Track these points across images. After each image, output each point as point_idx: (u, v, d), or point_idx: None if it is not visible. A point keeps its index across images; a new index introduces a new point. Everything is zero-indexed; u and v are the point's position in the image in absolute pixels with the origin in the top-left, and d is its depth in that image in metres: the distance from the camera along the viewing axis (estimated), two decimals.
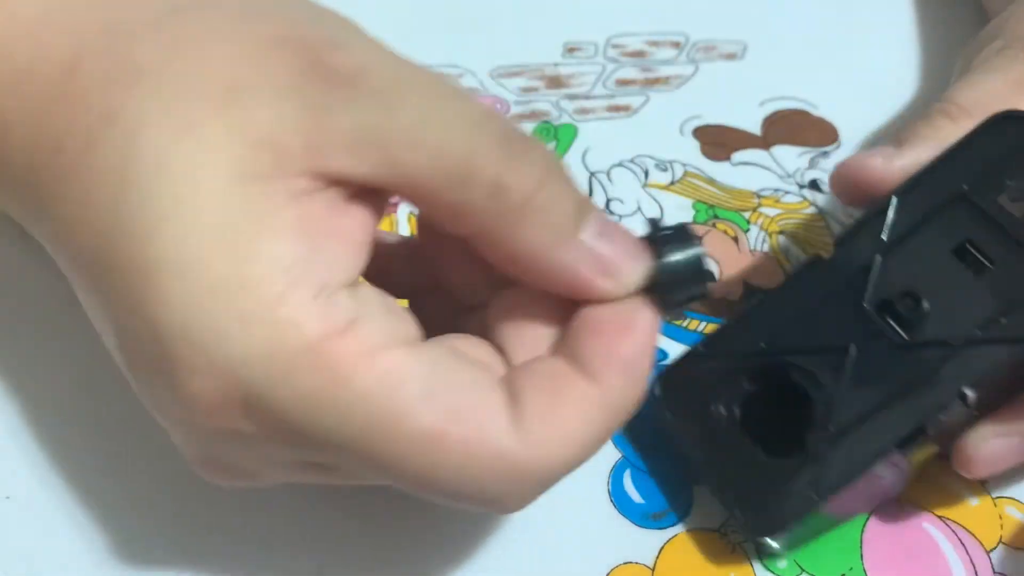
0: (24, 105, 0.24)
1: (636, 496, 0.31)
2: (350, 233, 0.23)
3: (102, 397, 0.31)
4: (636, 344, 0.24)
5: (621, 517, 0.30)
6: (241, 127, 0.22)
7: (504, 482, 0.23)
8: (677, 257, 0.25)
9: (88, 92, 0.23)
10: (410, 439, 0.22)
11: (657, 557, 0.30)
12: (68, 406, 0.31)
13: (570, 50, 0.41)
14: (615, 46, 0.41)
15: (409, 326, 0.23)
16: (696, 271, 0.25)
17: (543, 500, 0.30)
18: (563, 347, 0.24)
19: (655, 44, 0.42)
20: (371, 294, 0.23)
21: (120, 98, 0.22)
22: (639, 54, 0.41)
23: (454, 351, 0.23)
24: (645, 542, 0.30)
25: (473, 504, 0.23)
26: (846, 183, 0.31)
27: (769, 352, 0.30)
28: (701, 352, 0.31)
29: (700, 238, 0.26)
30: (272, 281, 0.21)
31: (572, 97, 0.40)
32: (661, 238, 0.25)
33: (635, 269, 0.24)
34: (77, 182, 0.23)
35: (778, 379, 0.29)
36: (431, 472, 0.22)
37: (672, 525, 0.30)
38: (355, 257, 0.23)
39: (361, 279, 0.23)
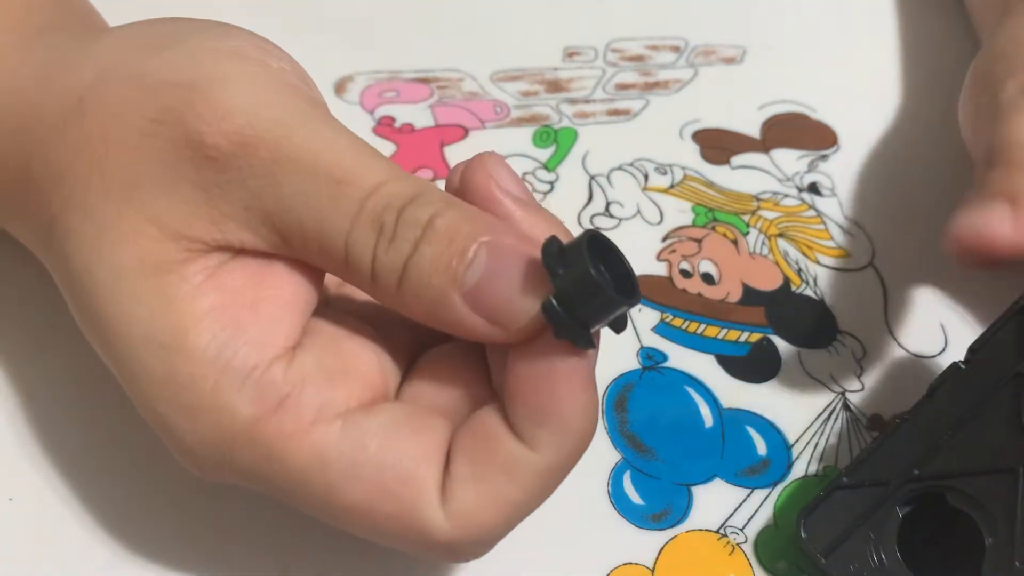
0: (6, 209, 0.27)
1: (636, 497, 0.31)
2: (275, 296, 0.24)
3: (105, 399, 0.31)
4: (560, 399, 0.22)
5: (621, 518, 0.30)
6: (144, 223, 0.23)
7: (437, 551, 0.23)
8: (566, 283, 0.22)
9: (37, 198, 0.25)
10: (344, 510, 0.23)
11: (657, 558, 0.30)
12: (71, 408, 0.31)
13: (570, 54, 0.41)
14: (615, 50, 0.42)
15: (349, 389, 0.24)
16: (591, 294, 0.22)
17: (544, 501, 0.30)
18: (503, 399, 0.23)
19: (655, 48, 0.42)
20: (309, 361, 0.23)
21: (55, 205, 0.24)
22: (638, 58, 0.42)
23: (393, 420, 0.23)
24: (645, 543, 0.30)
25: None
26: (967, 249, 0.28)
27: (924, 478, 0.28)
28: (845, 484, 0.29)
29: (601, 247, 0.22)
30: (204, 376, 0.23)
31: (572, 101, 0.40)
32: (551, 264, 0.22)
33: (520, 313, 0.22)
34: (54, 274, 0.26)
35: (937, 508, 0.28)
36: (372, 535, 0.24)
37: (672, 526, 0.30)
38: (286, 321, 0.24)
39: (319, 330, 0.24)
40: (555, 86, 0.40)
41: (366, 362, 0.25)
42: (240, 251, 0.24)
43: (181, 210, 0.23)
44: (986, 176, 0.30)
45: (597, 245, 0.22)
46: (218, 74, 0.23)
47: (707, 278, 0.36)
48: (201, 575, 0.29)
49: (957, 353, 0.32)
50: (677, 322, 0.34)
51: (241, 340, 0.23)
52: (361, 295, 0.27)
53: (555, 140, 0.39)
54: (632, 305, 0.23)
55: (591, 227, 0.23)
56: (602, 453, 0.31)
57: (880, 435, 0.30)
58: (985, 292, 0.35)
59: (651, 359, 0.33)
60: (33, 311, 0.32)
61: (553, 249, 0.22)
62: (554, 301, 0.22)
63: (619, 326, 0.23)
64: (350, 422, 0.23)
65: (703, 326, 0.34)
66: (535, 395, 0.23)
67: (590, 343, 0.22)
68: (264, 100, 0.23)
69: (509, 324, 0.22)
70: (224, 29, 0.25)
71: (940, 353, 0.34)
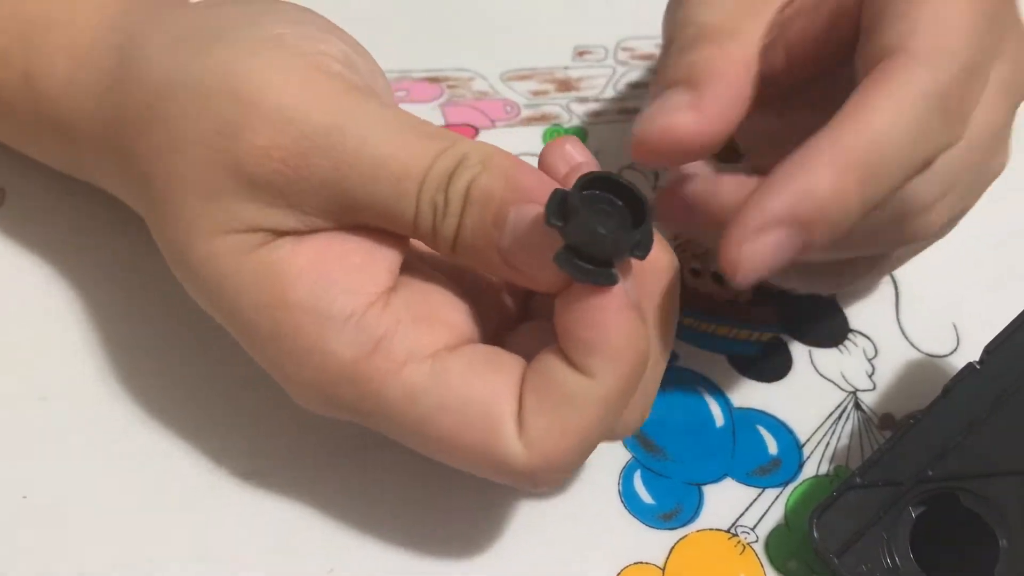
0: (112, 179, 0.29)
1: (646, 496, 0.31)
2: (360, 247, 0.26)
3: (119, 398, 0.31)
4: (602, 329, 0.24)
5: (632, 517, 0.30)
6: (231, 221, 0.25)
7: (518, 480, 0.25)
8: (570, 233, 0.23)
9: (136, 191, 0.28)
10: (432, 440, 0.25)
11: (667, 557, 0.30)
12: (84, 406, 0.31)
13: (580, 53, 0.41)
14: (625, 49, 0.42)
15: (436, 334, 0.26)
16: (592, 237, 0.23)
17: (554, 501, 0.30)
18: (559, 339, 0.25)
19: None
20: (401, 305, 0.26)
21: (148, 198, 0.27)
22: (649, 57, 0.42)
23: (474, 360, 0.25)
24: (655, 542, 0.30)
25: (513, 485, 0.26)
26: (652, 149, 0.26)
27: (937, 479, 0.28)
28: (857, 484, 0.29)
29: (604, 185, 0.23)
30: (307, 324, 0.25)
31: (582, 100, 0.40)
32: (553, 221, 0.23)
33: (543, 269, 0.24)
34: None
35: (951, 509, 0.28)
36: (459, 464, 0.26)
37: (682, 525, 0.30)
38: (374, 268, 0.25)
39: (406, 280, 0.26)
40: (565, 85, 0.40)
41: (452, 312, 0.27)
42: (320, 228, 0.26)
43: (267, 212, 0.25)
44: (662, 61, 0.28)
45: (598, 184, 0.23)
46: (264, 79, 0.25)
47: (717, 277, 0.35)
48: (211, 574, 0.29)
49: (969, 353, 0.32)
50: (688, 321, 0.34)
51: (335, 290, 0.25)
52: None
53: None
54: (636, 236, 0.23)
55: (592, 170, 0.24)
56: (613, 452, 0.31)
57: (893, 435, 0.30)
58: (998, 291, 0.35)
59: None
60: (43, 312, 0.33)
61: (555, 202, 0.23)
62: (564, 252, 0.23)
63: (641, 252, 0.24)
64: (437, 362, 0.25)
65: (714, 325, 0.34)
66: (579, 329, 0.24)
67: (611, 279, 0.24)
68: (310, 101, 0.25)
69: (539, 280, 0.25)
70: (269, 14, 0.27)
71: (952, 353, 0.34)
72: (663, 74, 0.27)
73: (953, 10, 0.25)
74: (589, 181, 0.23)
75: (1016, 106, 0.29)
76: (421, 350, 0.25)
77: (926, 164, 0.25)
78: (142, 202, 0.28)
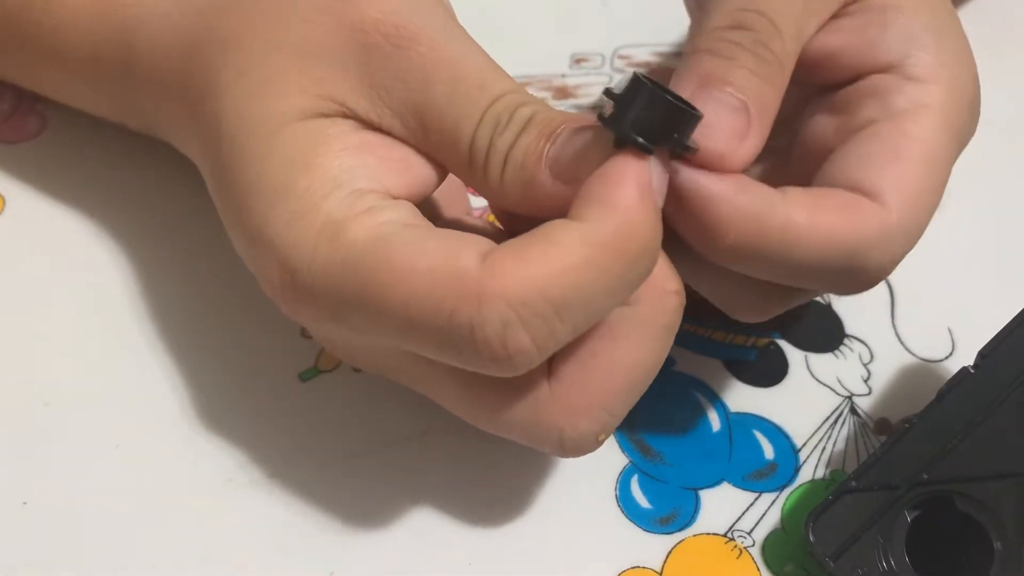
0: (169, 78, 0.30)
1: (643, 501, 0.31)
2: (401, 160, 0.27)
3: (120, 404, 0.31)
4: (610, 185, 0.24)
5: (629, 522, 0.30)
6: (309, 84, 0.26)
7: (469, 303, 0.23)
8: (618, 96, 0.24)
9: (200, 65, 0.28)
10: (389, 272, 0.24)
11: (665, 561, 0.30)
12: (86, 412, 0.31)
13: (578, 61, 0.41)
14: (621, 57, 0.42)
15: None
16: (639, 95, 0.23)
17: (552, 504, 0.30)
18: None
19: (661, 55, 0.42)
20: (404, 207, 0.26)
21: (215, 65, 0.28)
22: (645, 65, 0.42)
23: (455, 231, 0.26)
24: (653, 546, 0.30)
25: (465, 352, 0.24)
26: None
27: (932, 482, 0.28)
28: (853, 487, 0.29)
29: (648, 82, 0.24)
30: (318, 189, 0.25)
31: (580, 107, 0.40)
32: (608, 92, 0.24)
33: (588, 155, 0.25)
34: (198, 128, 0.28)
35: (946, 512, 0.28)
36: (410, 304, 0.24)
37: (679, 529, 0.30)
38: (400, 176, 0.26)
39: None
40: (563, 92, 0.40)
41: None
42: (384, 130, 0.27)
43: (346, 86, 0.26)
44: (714, 19, 0.28)
45: (649, 80, 0.24)
46: None
47: None
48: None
49: (964, 357, 0.32)
50: (685, 326, 0.34)
51: (361, 171, 0.26)
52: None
53: None
54: (683, 111, 0.24)
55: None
56: (610, 457, 0.32)
57: (889, 438, 0.30)
58: (993, 296, 0.35)
59: None
60: (53, 315, 0.33)
61: (612, 86, 0.25)
62: (607, 112, 0.24)
63: (687, 143, 0.24)
64: (416, 226, 0.25)
65: (711, 330, 0.34)
66: (589, 185, 0.24)
67: (644, 147, 0.24)
68: (426, 7, 0.27)
69: (581, 173, 0.25)
70: None
71: (947, 357, 0.35)
72: (721, 42, 0.27)
73: (930, 178, 0.27)
74: (639, 75, 0.24)
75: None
76: (405, 222, 0.25)
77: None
78: (201, 82, 0.28)
